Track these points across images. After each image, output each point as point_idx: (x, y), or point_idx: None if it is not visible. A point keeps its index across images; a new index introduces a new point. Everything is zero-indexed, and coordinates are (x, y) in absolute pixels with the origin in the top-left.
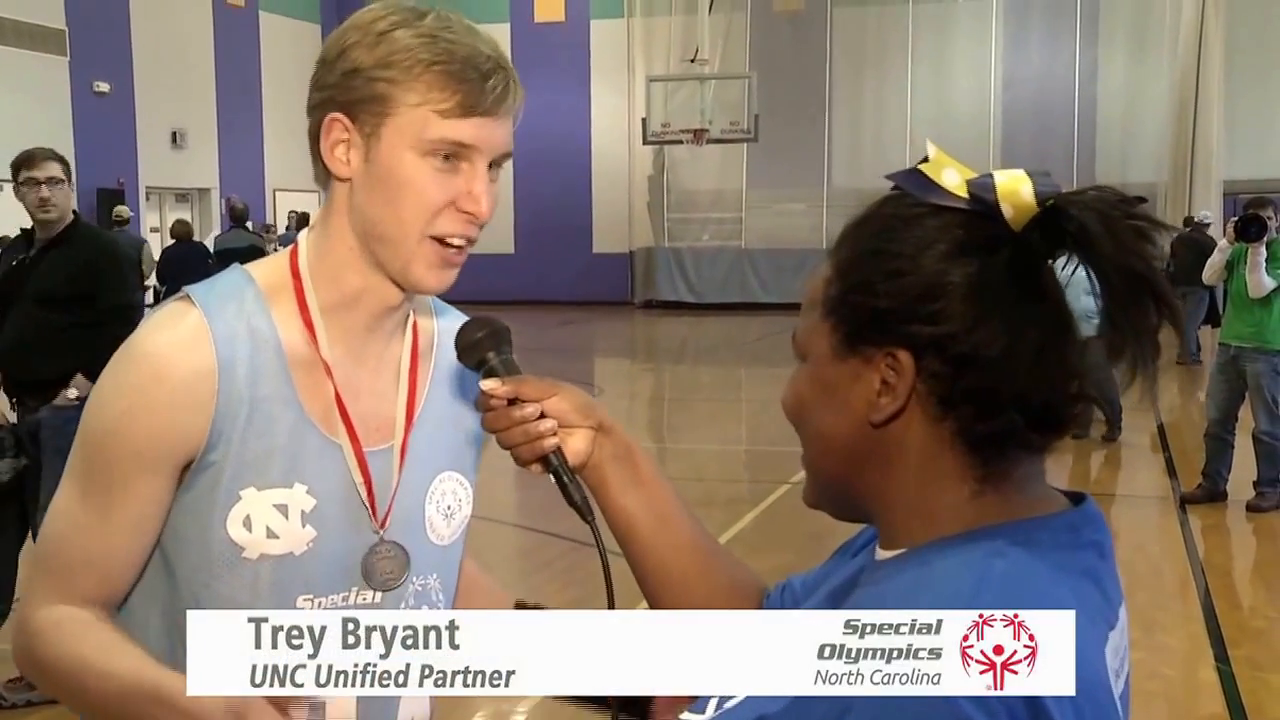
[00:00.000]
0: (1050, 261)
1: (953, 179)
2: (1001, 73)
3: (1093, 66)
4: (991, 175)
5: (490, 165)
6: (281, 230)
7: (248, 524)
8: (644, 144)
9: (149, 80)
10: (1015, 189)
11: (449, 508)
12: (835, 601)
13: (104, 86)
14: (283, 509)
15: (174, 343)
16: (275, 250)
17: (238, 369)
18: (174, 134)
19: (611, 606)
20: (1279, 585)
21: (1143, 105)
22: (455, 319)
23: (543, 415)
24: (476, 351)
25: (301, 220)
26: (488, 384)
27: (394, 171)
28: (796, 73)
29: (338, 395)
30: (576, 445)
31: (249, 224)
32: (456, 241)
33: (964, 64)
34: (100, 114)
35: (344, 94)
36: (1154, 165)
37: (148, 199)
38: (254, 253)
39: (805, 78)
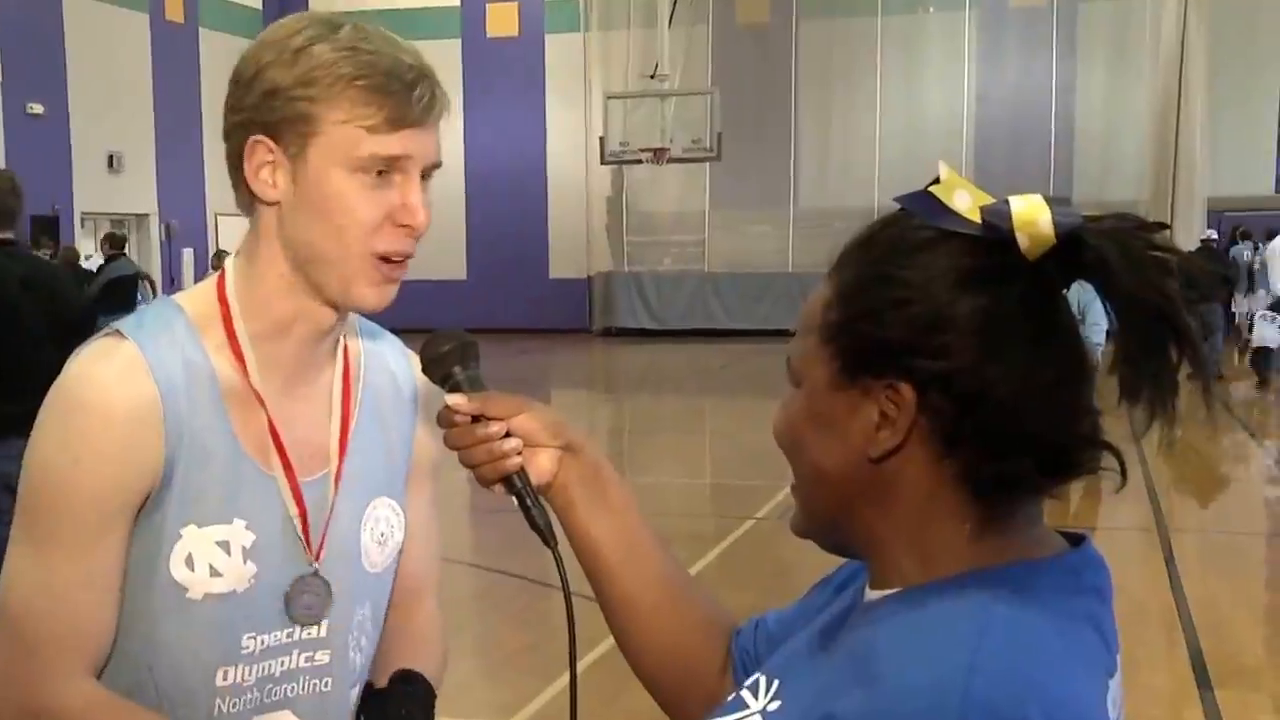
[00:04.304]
0: (1066, 291)
1: (965, 202)
2: (975, 87)
3: (1070, 80)
4: (1008, 202)
5: (421, 176)
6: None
7: (190, 563)
8: (602, 164)
9: (84, 101)
10: (1033, 219)
11: (383, 534)
12: (825, 641)
13: (38, 108)
14: (225, 545)
15: (111, 377)
16: None
17: (178, 398)
18: (110, 157)
19: (572, 639)
20: (1268, 621)
21: (1123, 120)
22: (381, 340)
23: (509, 434)
24: (442, 365)
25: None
26: (453, 399)
27: (324, 191)
28: (761, 89)
29: (272, 426)
30: (542, 465)
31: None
32: (398, 258)
33: (935, 78)
34: (34, 137)
35: (265, 115)
36: (1134, 183)
37: (83, 225)
38: None
39: (770, 94)
